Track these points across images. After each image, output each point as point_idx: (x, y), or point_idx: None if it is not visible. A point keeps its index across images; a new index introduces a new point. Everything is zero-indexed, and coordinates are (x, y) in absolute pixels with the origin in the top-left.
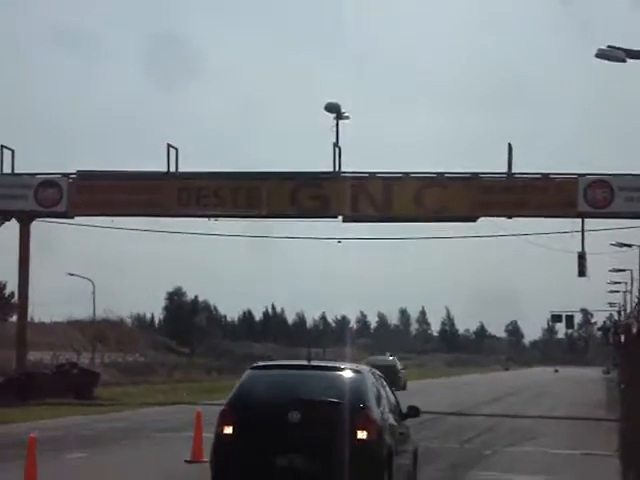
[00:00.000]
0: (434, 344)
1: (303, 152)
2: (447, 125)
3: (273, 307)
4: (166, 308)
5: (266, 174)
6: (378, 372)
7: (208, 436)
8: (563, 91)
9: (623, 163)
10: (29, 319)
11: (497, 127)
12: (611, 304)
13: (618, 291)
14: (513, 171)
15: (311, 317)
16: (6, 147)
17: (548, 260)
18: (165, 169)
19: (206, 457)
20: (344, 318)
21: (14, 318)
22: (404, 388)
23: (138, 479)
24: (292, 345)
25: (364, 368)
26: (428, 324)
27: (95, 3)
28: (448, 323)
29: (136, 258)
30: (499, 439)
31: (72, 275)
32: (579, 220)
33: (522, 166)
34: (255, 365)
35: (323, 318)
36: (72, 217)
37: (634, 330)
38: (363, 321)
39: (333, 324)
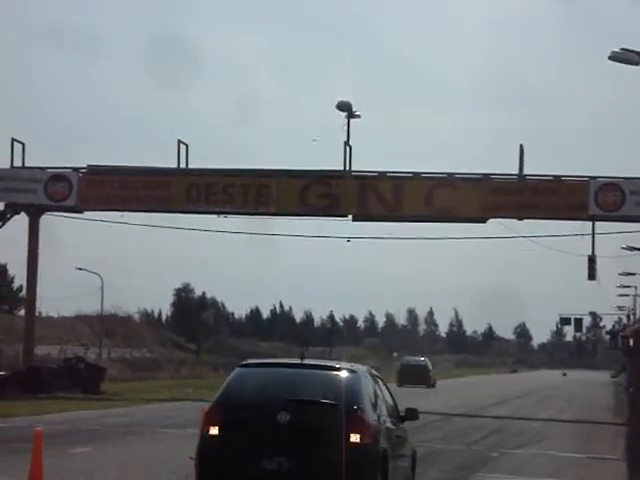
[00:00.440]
0: (441, 345)
1: (315, 151)
2: (458, 126)
3: (281, 305)
4: (174, 304)
5: (276, 172)
6: (376, 372)
7: None
8: (575, 92)
9: (635, 165)
10: (37, 313)
11: (509, 128)
12: (620, 308)
13: (628, 295)
14: (524, 173)
15: (319, 316)
16: (17, 140)
17: (558, 263)
18: (175, 165)
19: None
20: (352, 317)
21: (22, 312)
22: (433, 386)
23: (141, 475)
24: (299, 344)
25: (360, 368)
26: (436, 325)
27: (102, 3)
28: (456, 324)
29: (145, 254)
30: (506, 441)
31: (80, 270)
32: (589, 223)
33: (533, 167)
34: (244, 363)
35: (331, 317)
36: (81, 211)
37: None
38: (371, 321)
39: (341, 323)
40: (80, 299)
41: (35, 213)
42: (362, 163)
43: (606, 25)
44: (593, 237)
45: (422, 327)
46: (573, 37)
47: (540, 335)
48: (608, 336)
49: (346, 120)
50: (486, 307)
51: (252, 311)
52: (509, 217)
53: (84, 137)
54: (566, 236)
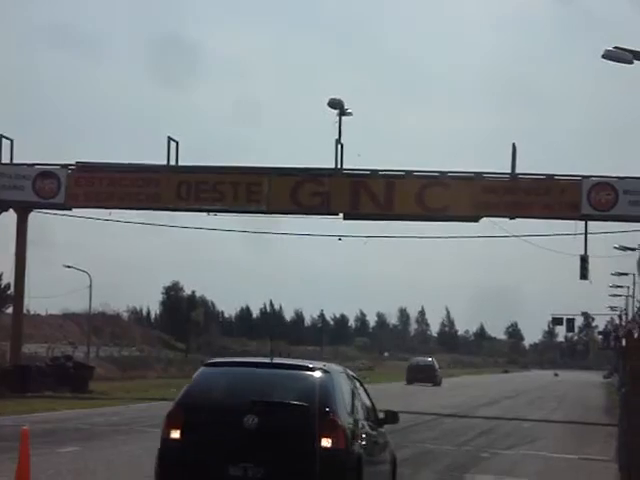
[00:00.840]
0: (433, 345)
1: (309, 149)
2: (452, 124)
3: (271, 304)
4: (163, 303)
5: (267, 169)
6: (352, 373)
7: None
8: (571, 92)
9: (627, 165)
10: (25, 311)
11: (504, 127)
12: (612, 308)
13: (620, 295)
14: (517, 171)
15: (309, 315)
16: (5, 137)
17: (550, 262)
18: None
19: None
20: (343, 317)
21: (10, 310)
22: (439, 384)
23: (129, 474)
24: (290, 343)
25: (335, 368)
26: (427, 324)
27: (101, 3)
28: (448, 324)
29: (134, 252)
30: (498, 442)
31: (69, 268)
32: (582, 222)
33: (528, 166)
34: (210, 361)
35: (321, 316)
36: (70, 209)
37: (636, 335)
38: (362, 320)
39: (332, 322)
40: (68, 297)
41: (23, 210)
42: (358, 161)
43: (603, 25)
44: (586, 237)
45: (413, 327)
46: (570, 36)
47: (532, 335)
48: (600, 336)
49: (337, 118)
50: (478, 307)
51: (242, 310)
52: (501, 216)
53: (81, 136)
54: (558, 235)
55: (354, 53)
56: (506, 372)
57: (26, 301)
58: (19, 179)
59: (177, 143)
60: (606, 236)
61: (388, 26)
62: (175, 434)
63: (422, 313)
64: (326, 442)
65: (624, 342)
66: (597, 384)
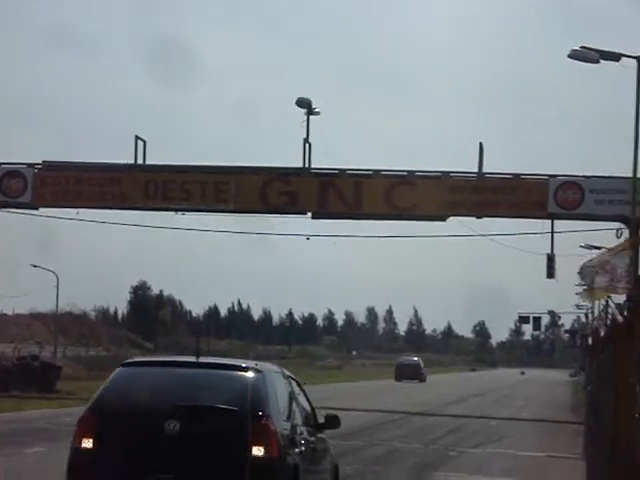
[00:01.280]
0: (400, 343)
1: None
2: (421, 123)
3: (239, 303)
4: (130, 302)
5: (234, 168)
6: (288, 372)
7: None
8: (540, 91)
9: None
10: None
11: (473, 125)
12: (579, 307)
13: None
14: (484, 171)
15: (277, 314)
16: None
17: (517, 261)
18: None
19: None
20: (311, 315)
21: None
22: (424, 381)
23: None
24: (259, 342)
25: (269, 367)
26: (395, 323)
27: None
28: (415, 322)
29: (101, 251)
30: (466, 440)
31: (36, 267)
32: (549, 221)
33: (495, 165)
34: (127, 361)
35: (290, 315)
36: (37, 208)
37: (602, 333)
38: (330, 319)
39: (300, 321)
40: (35, 297)
41: None
42: (327, 160)
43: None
44: (552, 235)
45: (381, 325)
46: (543, 33)
47: (499, 334)
48: (567, 335)
49: (305, 117)
50: (445, 305)
51: (210, 309)
52: (468, 215)
53: (79, 136)
54: (525, 234)
55: (324, 52)
56: (474, 370)
57: None
58: None
59: (144, 142)
60: (572, 235)
61: (359, 25)
62: (87, 443)
63: (390, 312)
64: (257, 450)
65: (591, 340)
66: (563, 382)
